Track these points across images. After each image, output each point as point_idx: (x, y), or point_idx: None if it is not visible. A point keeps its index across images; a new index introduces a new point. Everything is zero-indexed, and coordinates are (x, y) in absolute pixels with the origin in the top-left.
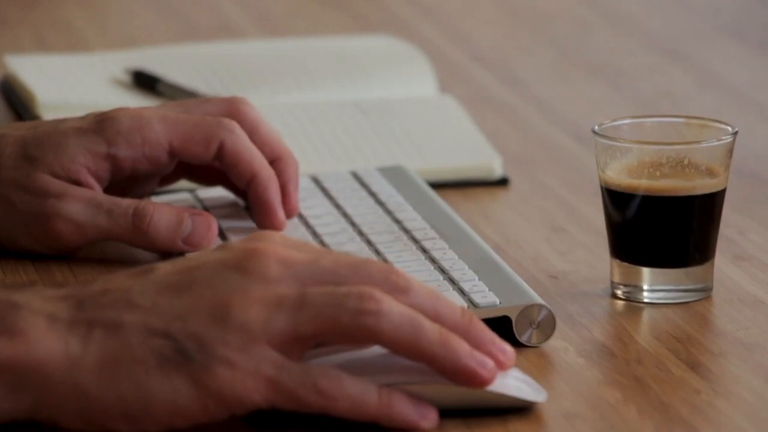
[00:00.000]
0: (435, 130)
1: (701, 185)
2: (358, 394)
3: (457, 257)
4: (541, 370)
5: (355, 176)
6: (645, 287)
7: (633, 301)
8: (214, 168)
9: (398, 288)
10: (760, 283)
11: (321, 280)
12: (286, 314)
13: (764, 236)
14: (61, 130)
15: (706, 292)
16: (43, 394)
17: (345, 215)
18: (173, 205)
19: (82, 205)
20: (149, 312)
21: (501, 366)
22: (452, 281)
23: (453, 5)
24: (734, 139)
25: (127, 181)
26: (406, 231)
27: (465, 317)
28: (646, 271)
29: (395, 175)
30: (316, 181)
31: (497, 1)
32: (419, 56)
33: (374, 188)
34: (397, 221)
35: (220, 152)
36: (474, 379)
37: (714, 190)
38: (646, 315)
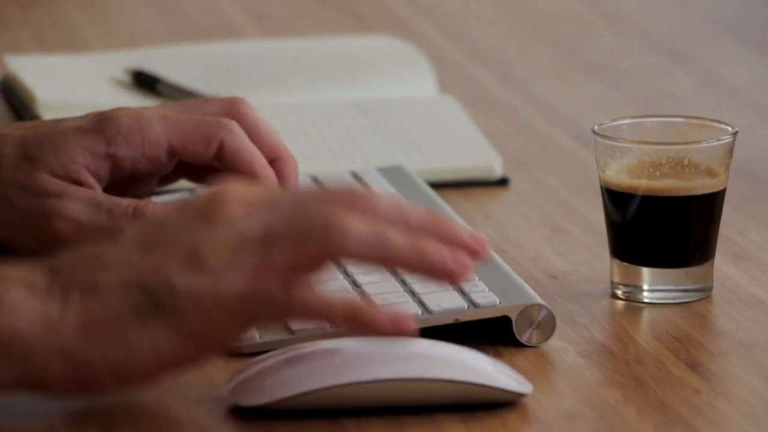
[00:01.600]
0: (435, 130)
1: (701, 185)
2: (326, 301)
3: None
4: (541, 370)
5: (355, 176)
6: (645, 287)
7: (633, 301)
8: (214, 168)
9: (362, 204)
10: (760, 283)
11: (284, 210)
12: (253, 250)
13: (764, 236)
14: (61, 130)
15: (706, 292)
16: (28, 361)
17: None
18: None
19: (82, 204)
20: (122, 268)
21: (475, 254)
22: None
23: (453, 5)
24: (734, 139)
25: (127, 180)
26: None
27: (430, 216)
28: (646, 271)
29: (395, 175)
30: (316, 181)
31: (497, 1)
32: (419, 56)
33: (374, 188)
34: None
35: (220, 152)
36: (452, 277)
37: (714, 190)
38: (646, 315)
